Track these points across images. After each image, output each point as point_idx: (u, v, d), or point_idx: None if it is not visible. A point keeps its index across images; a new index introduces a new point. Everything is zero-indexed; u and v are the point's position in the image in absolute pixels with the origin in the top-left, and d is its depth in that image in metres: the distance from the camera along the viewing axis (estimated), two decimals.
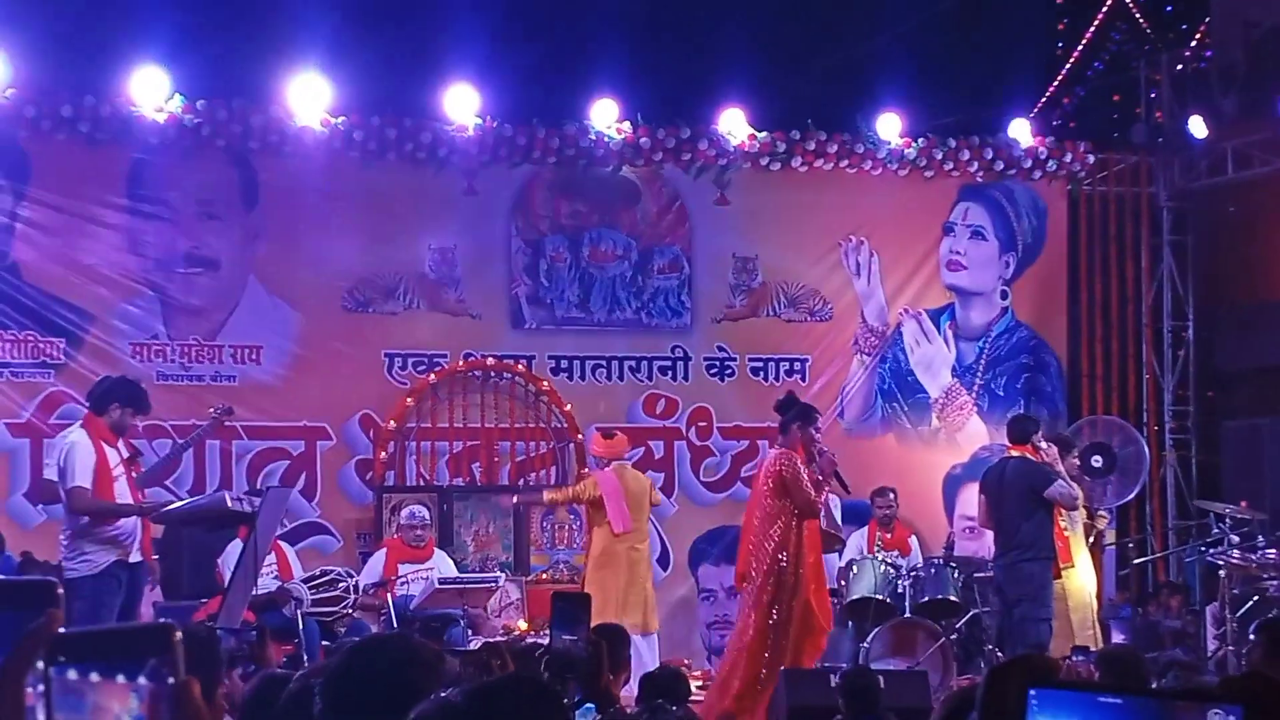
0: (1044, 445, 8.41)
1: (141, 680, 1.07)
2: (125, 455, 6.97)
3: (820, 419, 8.23)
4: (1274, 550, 8.78)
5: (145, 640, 1.08)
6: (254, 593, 7.51)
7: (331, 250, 9.58)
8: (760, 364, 10.65)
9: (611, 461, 8.54)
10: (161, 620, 1.99)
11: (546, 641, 5.62)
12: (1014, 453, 8.32)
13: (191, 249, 9.29)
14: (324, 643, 7.64)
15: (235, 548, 7.67)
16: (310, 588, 7.93)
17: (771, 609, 7.07)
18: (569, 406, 9.75)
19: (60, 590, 1.70)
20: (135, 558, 6.90)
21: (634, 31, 10.12)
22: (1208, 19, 12.40)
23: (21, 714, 1.29)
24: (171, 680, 1.10)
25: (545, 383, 9.67)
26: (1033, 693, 1.42)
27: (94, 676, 1.08)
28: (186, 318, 9.32)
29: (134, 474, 7.13)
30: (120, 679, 1.08)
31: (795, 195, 10.74)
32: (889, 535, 9.48)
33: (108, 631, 1.14)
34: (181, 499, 8.66)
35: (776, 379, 10.58)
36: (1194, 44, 11.92)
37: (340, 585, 8.03)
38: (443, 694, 2.36)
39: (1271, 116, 10.99)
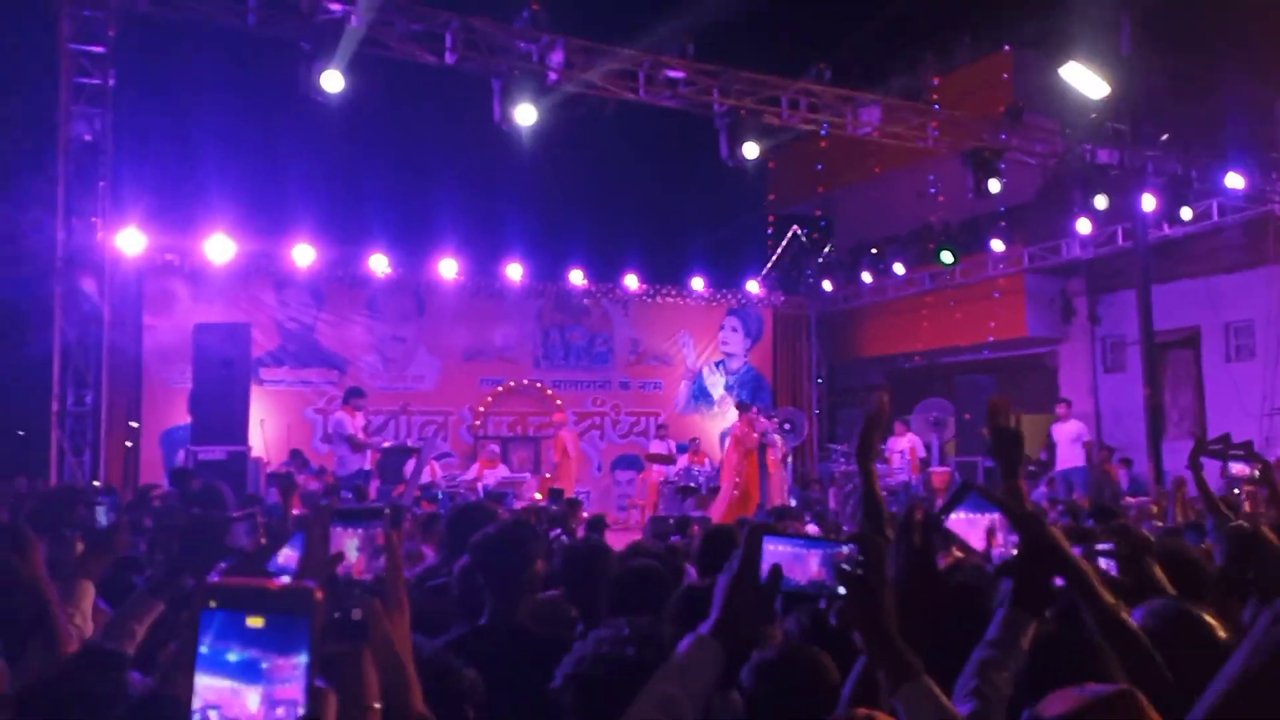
0: (761, 419, 15.51)
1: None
2: None
3: None
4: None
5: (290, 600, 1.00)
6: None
7: None
8: (642, 385, 17.20)
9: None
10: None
11: None
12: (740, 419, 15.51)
13: None
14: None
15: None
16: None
17: None
18: (559, 402, 16.00)
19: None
20: None
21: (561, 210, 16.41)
22: (834, 231, 19.65)
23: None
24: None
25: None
26: None
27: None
28: None
29: None
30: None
31: (660, 313, 17.33)
32: (696, 455, 14.97)
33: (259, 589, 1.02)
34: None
35: (650, 390, 17.20)
36: (827, 244, 19.17)
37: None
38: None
39: (860, 282, 17.52)
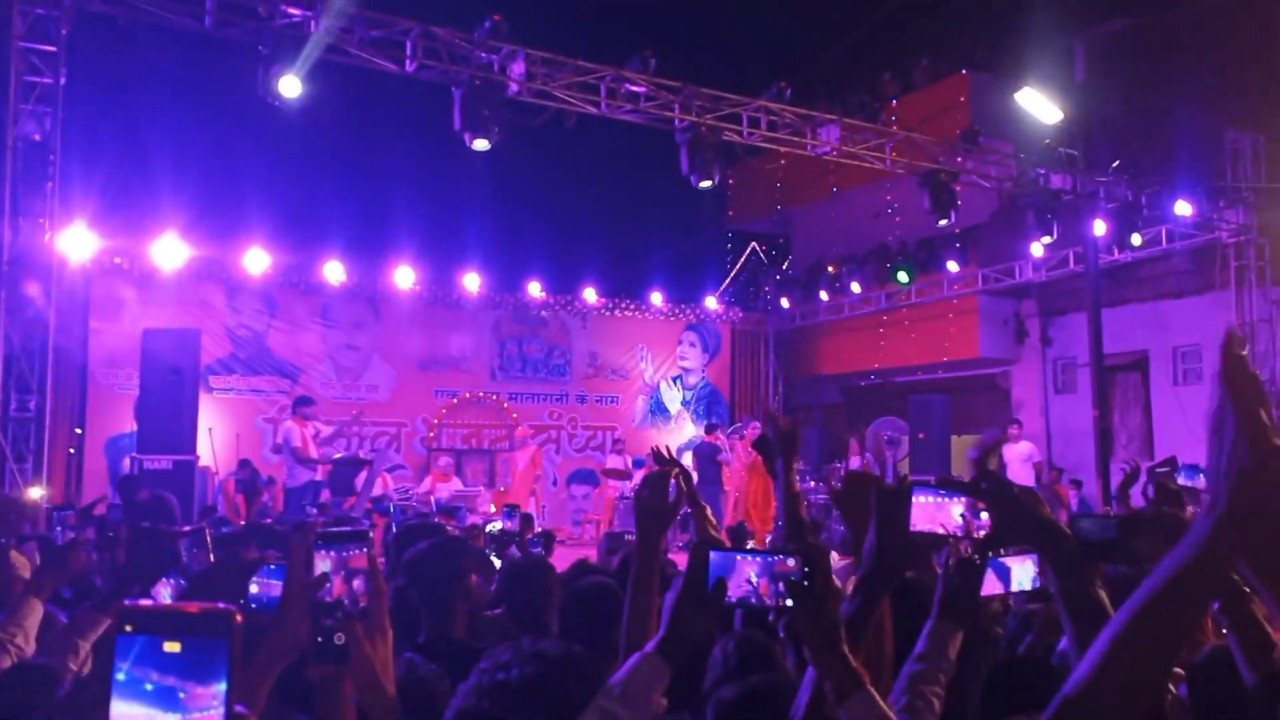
0: (723, 438, 15.17)
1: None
2: None
3: None
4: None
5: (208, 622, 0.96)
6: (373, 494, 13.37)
7: None
8: (599, 398, 17.25)
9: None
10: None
11: None
12: (706, 439, 15.00)
13: None
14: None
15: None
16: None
17: None
18: (516, 415, 16.39)
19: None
20: None
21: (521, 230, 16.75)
22: (791, 247, 20.06)
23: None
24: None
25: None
26: None
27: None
28: None
29: None
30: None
31: (618, 327, 17.39)
32: None
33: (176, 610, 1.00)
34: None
35: (606, 404, 17.29)
36: (785, 262, 19.51)
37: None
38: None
39: (817, 300, 17.82)
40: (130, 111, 14.47)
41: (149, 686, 0.97)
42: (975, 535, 1.93)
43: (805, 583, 1.64)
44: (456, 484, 13.77)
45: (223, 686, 0.98)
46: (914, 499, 1.89)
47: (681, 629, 1.59)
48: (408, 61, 9.72)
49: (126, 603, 0.98)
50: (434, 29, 9.71)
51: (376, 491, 12.14)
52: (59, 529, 5.18)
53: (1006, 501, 1.80)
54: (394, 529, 8.93)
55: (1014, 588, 2.62)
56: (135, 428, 12.24)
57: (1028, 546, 1.90)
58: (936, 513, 1.93)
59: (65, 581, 3.24)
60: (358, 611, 1.55)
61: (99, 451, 13.78)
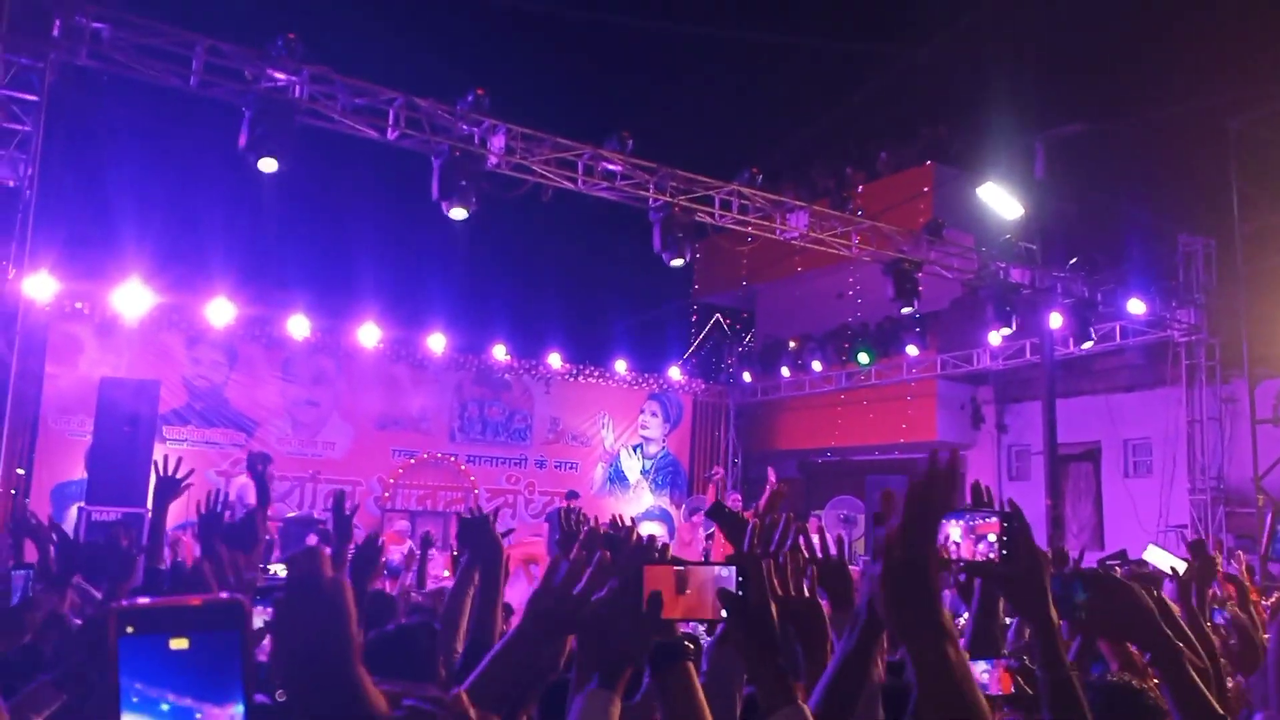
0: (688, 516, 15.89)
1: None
2: None
3: None
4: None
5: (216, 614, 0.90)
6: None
7: None
8: (558, 464, 17.42)
9: None
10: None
11: None
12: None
13: None
14: None
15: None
16: None
17: None
18: (473, 477, 16.57)
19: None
20: None
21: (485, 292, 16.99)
22: (755, 322, 20.62)
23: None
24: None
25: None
26: None
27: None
28: None
29: None
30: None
31: (581, 393, 17.64)
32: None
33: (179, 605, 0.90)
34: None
35: (566, 470, 17.44)
36: (748, 336, 19.97)
37: None
38: None
39: (778, 376, 18.32)
40: (99, 157, 14.47)
41: (165, 707, 0.89)
42: (976, 558, 1.82)
43: (740, 593, 1.66)
44: (410, 546, 13.90)
45: (240, 708, 0.91)
46: None
47: (619, 654, 1.57)
48: (389, 129, 9.96)
49: (124, 603, 0.91)
50: (417, 100, 9.98)
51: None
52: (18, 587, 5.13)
53: (1021, 536, 1.72)
54: None
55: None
56: (84, 475, 12.14)
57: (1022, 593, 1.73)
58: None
59: (18, 644, 3.22)
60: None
61: (44, 497, 13.60)
